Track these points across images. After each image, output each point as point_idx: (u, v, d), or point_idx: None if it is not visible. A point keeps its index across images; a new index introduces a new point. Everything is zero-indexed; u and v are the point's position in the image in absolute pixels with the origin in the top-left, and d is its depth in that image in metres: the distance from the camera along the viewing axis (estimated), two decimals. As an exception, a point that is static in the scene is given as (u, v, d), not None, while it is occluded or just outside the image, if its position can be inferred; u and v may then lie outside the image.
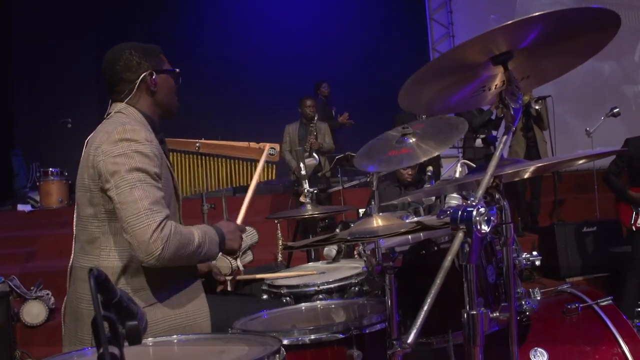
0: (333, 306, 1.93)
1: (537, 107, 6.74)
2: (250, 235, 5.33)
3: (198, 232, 1.95)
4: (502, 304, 1.34)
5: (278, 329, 1.74)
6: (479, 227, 1.07)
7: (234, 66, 10.30)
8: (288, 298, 2.18)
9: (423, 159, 2.49)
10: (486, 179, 1.13)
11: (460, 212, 1.09)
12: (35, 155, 9.16)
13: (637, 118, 9.33)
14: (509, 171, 1.32)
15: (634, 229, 5.09)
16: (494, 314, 1.30)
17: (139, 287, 1.96)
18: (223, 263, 5.51)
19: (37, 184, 8.40)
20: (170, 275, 1.99)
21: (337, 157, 7.00)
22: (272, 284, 2.32)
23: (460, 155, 9.28)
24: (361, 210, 5.86)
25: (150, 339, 1.48)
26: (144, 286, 1.96)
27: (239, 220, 2.32)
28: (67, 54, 9.96)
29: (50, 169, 8.27)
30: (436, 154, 2.53)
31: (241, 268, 5.83)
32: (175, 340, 1.51)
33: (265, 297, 2.33)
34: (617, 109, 6.46)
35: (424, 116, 7.05)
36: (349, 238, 1.36)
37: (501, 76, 1.40)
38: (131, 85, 2.09)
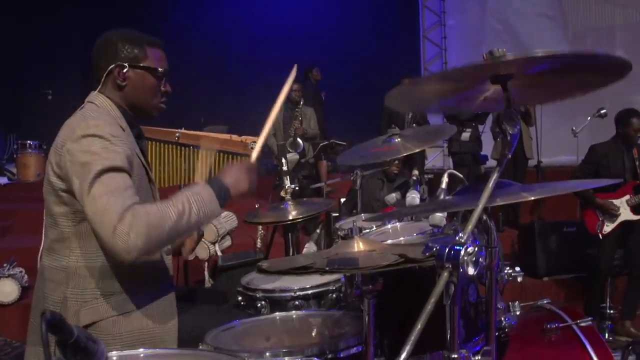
0: (309, 318, 1.87)
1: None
2: (230, 220, 5.27)
3: (177, 200, 1.78)
4: (485, 348, 1.29)
5: (251, 344, 1.68)
6: (466, 267, 1.01)
7: (221, 49, 10.10)
8: (263, 302, 2.12)
9: (404, 153, 2.45)
10: (476, 215, 1.07)
11: (447, 250, 1.02)
12: (13, 126, 8.97)
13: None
14: (500, 202, 1.25)
15: (600, 236, 5.08)
16: (476, 358, 1.25)
17: (109, 291, 1.87)
18: (201, 248, 5.43)
19: (15, 156, 8.25)
20: (143, 280, 1.91)
21: (321, 144, 6.93)
22: (248, 286, 2.25)
23: (445, 146, 9.24)
24: (342, 199, 5.83)
25: (115, 352, 1.41)
26: (115, 291, 1.88)
27: (254, 154, 2.11)
28: (50, 23, 9.72)
29: (29, 142, 8.11)
30: (417, 150, 2.49)
31: (219, 253, 5.76)
32: (142, 355, 1.45)
33: (240, 298, 2.27)
34: (604, 110, 6.39)
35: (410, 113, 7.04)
36: (327, 269, 1.30)
37: (496, 89, 1.33)
38: (100, 74, 1.96)
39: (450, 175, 1.96)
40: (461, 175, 2.02)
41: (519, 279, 2.03)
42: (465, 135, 6.77)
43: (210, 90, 9.99)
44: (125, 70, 1.96)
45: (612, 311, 5.16)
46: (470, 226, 1.05)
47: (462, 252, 1.01)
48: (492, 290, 1.46)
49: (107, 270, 1.87)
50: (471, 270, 1.01)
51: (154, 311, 1.91)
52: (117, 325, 1.85)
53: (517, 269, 2.03)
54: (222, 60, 10.10)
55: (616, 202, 5.07)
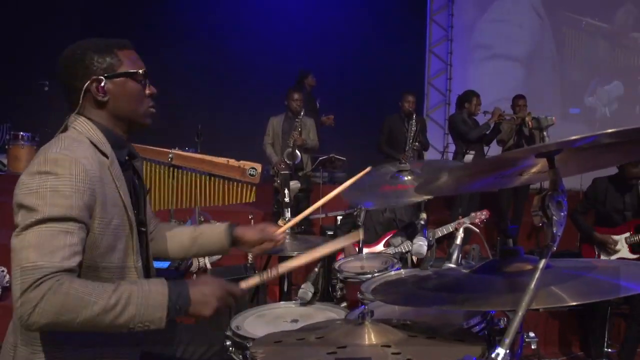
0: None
1: (531, 127, 6.58)
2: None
3: (116, 291, 1.54)
4: None
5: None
6: (502, 398, 0.84)
7: (218, 56, 9.89)
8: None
9: (419, 199, 2.30)
10: (515, 325, 0.90)
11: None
12: (6, 116, 8.77)
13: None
14: (535, 307, 1.08)
15: None
16: None
17: (60, 342, 1.66)
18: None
19: (6, 147, 8.10)
20: (104, 335, 1.63)
21: (320, 158, 6.74)
22: (238, 332, 2.08)
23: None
24: (339, 218, 5.64)
25: None
26: (68, 343, 1.65)
27: (245, 284, 1.84)
28: (49, 12, 9.52)
29: (22, 133, 8.00)
30: (431, 196, 2.34)
31: (209, 266, 5.57)
32: None
33: (228, 343, 2.09)
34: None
35: (413, 123, 6.88)
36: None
37: (541, 166, 1.17)
38: (77, 95, 1.78)
39: (466, 230, 1.81)
40: (477, 230, 1.87)
41: (533, 346, 1.91)
42: (469, 157, 6.62)
43: (206, 99, 9.78)
44: (102, 84, 1.77)
45: (610, 350, 5.02)
46: (508, 340, 0.88)
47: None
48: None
49: None
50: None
51: None
52: None
53: (532, 334, 1.91)
54: (217, 69, 9.90)
55: (615, 238, 4.97)
